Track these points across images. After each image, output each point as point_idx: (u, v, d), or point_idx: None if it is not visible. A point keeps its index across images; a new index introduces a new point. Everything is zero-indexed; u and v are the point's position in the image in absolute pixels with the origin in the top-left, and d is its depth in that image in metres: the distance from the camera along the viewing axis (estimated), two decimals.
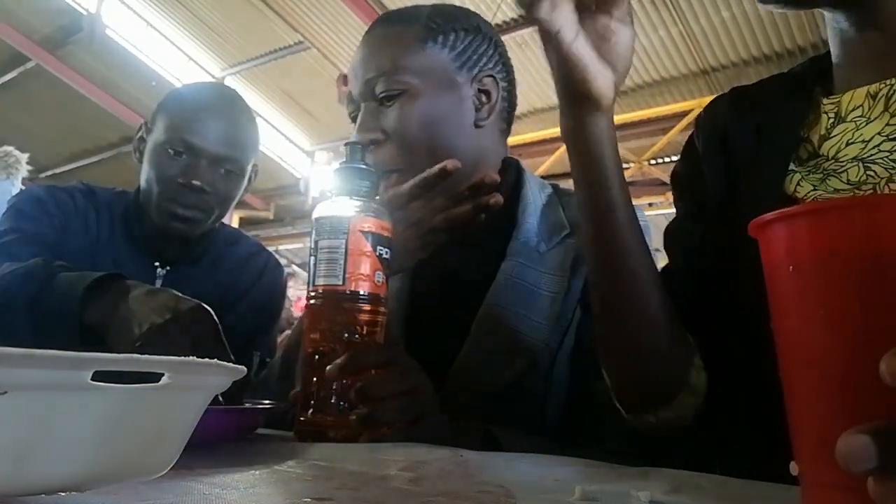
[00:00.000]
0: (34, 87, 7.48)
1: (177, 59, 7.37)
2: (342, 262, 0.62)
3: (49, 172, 9.06)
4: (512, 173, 0.86)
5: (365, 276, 0.63)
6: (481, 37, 0.83)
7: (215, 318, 0.79)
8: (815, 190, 0.55)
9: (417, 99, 0.77)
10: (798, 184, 0.57)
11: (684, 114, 5.69)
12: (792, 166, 0.58)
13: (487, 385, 0.74)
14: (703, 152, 0.67)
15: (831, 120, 0.57)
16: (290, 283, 3.89)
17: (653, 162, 6.14)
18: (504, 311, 0.75)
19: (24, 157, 3.43)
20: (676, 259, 0.69)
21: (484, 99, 0.82)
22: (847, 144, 0.55)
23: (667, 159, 6.20)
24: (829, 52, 0.64)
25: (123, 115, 7.36)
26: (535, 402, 0.74)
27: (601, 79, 0.51)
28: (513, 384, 0.73)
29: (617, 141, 0.55)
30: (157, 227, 1.10)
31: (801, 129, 0.59)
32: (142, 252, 1.10)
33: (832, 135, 0.56)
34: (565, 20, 0.48)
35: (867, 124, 0.54)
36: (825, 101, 0.58)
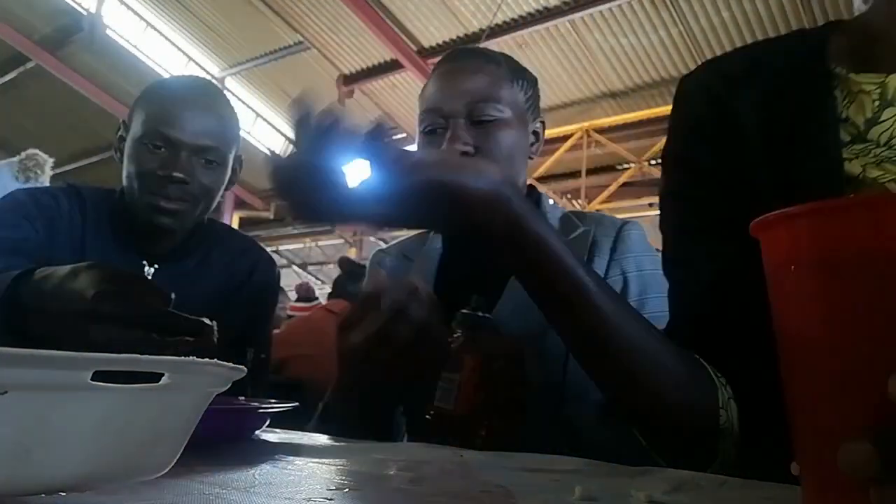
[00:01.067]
0: (34, 88, 7.50)
1: (177, 60, 7.38)
2: None
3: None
4: (533, 196, 0.99)
5: None
6: (536, 88, 0.99)
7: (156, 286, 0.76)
8: (885, 172, 0.52)
9: (508, 127, 0.89)
10: (865, 168, 0.52)
11: None
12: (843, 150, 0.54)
13: (517, 330, 0.78)
14: (698, 128, 0.62)
15: (876, 102, 0.53)
16: (288, 282, 3.90)
17: (653, 162, 6.14)
18: None
19: (49, 161, 3.26)
20: (681, 277, 0.64)
21: (534, 138, 0.98)
22: None
23: None
24: (835, 23, 0.60)
25: (123, 115, 7.35)
26: (559, 361, 0.80)
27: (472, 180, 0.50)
28: (540, 335, 0.77)
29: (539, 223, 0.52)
30: (144, 223, 1.08)
31: (835, 108, 0.55)
32: (129, 251, 1.08)
33: (881, 119, 0.53)
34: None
35: None
36: (864, 79, 0.54)
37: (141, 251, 1.10)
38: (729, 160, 0.60)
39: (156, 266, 1.11)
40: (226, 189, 1.16)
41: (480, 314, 0.74)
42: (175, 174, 1.03)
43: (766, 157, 0.57)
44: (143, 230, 1.09)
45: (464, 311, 0.74)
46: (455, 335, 0.72)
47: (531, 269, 0.52)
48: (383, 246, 1.12)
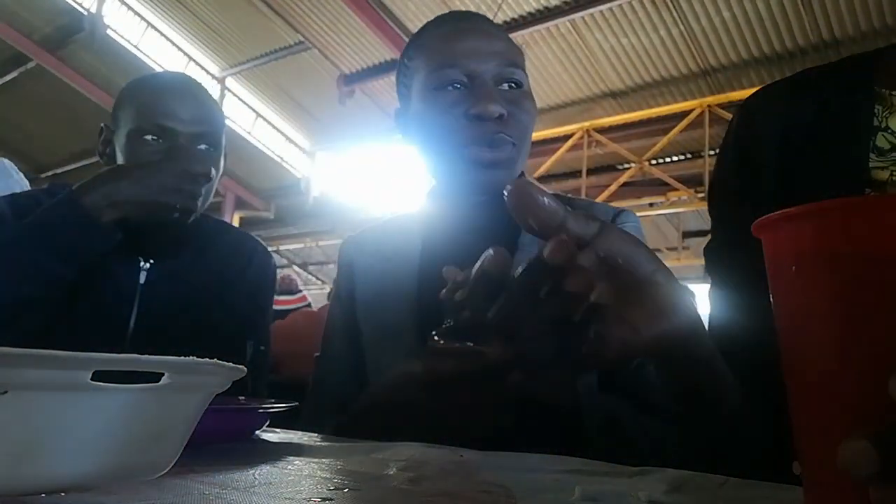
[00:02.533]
0: (35, 87, 7.50)
1: (177, 59, 7.38)
2: None
3: (49, 172, 9.07)
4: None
5: None
6: None
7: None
8: None
9: (530, 98, 0.84)
10: (892, 174, 0.56)
11: (685, 114, 5.69)
12: (872, 158, 0.58)
13: None
14: (755, 144, 0.65)
15: None
16: (289, 282, 3.88)
17: (653, 162, 6.14)
18: None
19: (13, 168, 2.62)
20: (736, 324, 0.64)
21: None
22: None
23: (667, 159, 6.21)
24: (883, 49, 0.64)
25: None
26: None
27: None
28: None
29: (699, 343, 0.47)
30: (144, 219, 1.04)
31: (874, 118, 0.59)
32: (123, 247, 1.01)
33: None
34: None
35: None
36: None
37: (134, 247, 1.07)
38: (756, 182, 0.63)
39: (151, 262, 1.09)
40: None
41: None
42: None
43: (791, 173, 0.61)
44: (139, 226, 1.02)
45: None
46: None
47: (688, 378, 0.48)
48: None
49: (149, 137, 1.04)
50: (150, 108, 1.05)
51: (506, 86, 0.81)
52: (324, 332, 0.93)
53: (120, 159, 1.07)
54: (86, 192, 0.93)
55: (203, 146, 1.07)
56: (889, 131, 0.58)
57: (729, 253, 0.67)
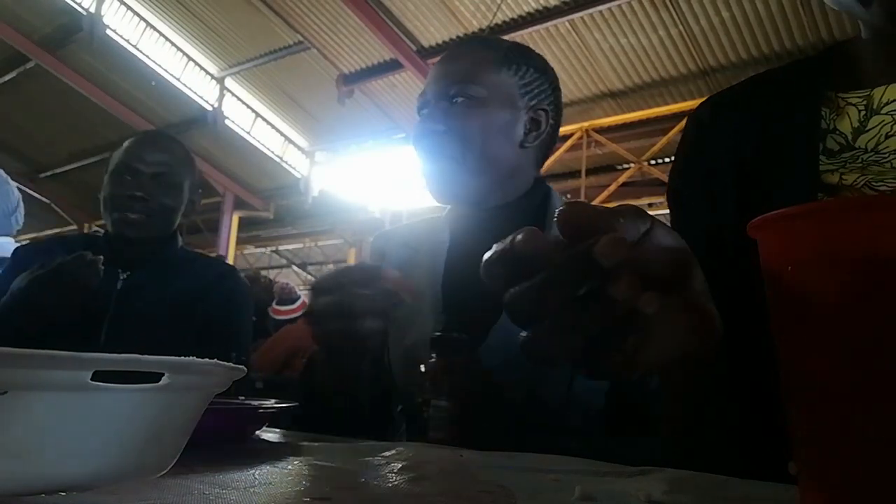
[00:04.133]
0: (34, 88, 7.49)
1: (177, 60, 7.38)
2: None
3: (49, 172, 9.06)
4: (541, 190, 0.97)
5: None
6: (545, 78, 0.96)
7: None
8: (862, 176, 0.55)
9: (481, 106, 0.89)
10: (842, 175, 0.56)
11: (684, 114, 5.68)
12: (822, 160, 0.58)
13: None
14: (711, 153, 0.66)
15: (862, 112, 0.57)
16: (288, 291, 3.84)
17: (653, 162, 6.14)
18: None
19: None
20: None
21: (532, 126, 0.94)
22: (887, 137, 0.55)
23: (667, 159, 6.20)
24: (830, 50, 0.64)
25: (123, 115, 7.36)
26: (564, 381, 0.79)
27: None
28: None
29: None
30: (115, 235, 1.34)
31: (822, 121, 0.59)
32: (107, 261, 1.24)
33: (868, 127, 0.56)
34: None
35: None
36: (850, 94, 0.58)
37: (115, 260, 1.31)
38: (709, 188, 0.64)
39: (128, 272, 1.33)
40: (185, 215, 1.42)
41: (455, 335, 0.74)
42: (136, 193, 1.31)
43: (746, 179, 0.61)
44: (115, 242, 1.35)
45: (437, 333, 0.74)
46: (430, 359, 0.73)
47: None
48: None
49: (119, 176, 1.33)
50: (125, 154, 1.36)
51: (455, 101, 0.89)
52: None
53: (102, 193, 1.36)
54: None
55: (160, 183, 1.35)
56: (837, 132, 0.58)
57: None
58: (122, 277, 1.32)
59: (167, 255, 1.39)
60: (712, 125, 0.67)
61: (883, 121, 0.56)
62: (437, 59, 1.01)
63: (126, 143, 1.41)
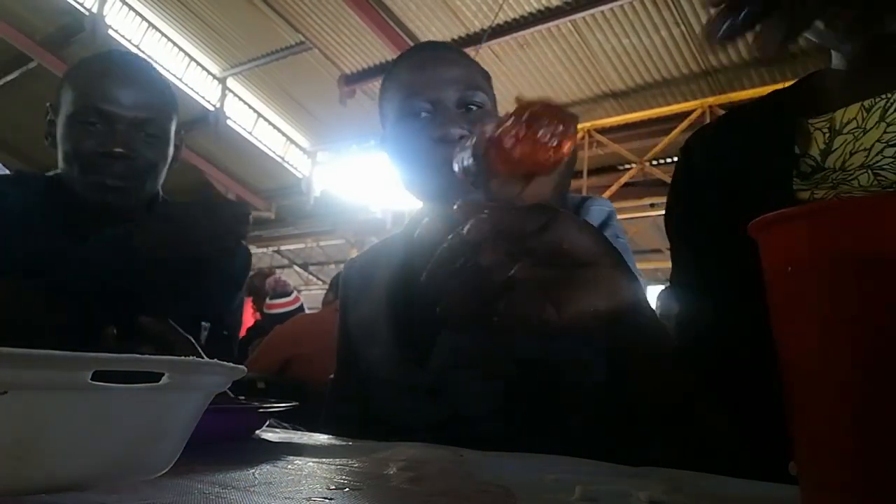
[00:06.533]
0: (36, 88, 7.50)
1: (178, 60, 7.39)
2: None
3: (51, 172, 9.07)
4: None
5: None
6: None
7: None
8: (833, 191, 0.57)
9: (490, 115, 0.90)
10: (813, 193, 0.58)
11: (686, 114, 5.68)
12: (797, 182, 0.60)
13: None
14: (705, 182, 0.69)
15: (826, 135, 0.59)
16: (283, 285, 3.80)
17: (654, 162, 6.14)
18: None
19: None
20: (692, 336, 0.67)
21: None
22: (851, 154, 0.57)
23: (668, 160, 6.20)
24: (801, 82, 0.67)
25: None
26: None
27: None
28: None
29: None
30: (89, 204, 1.02)
31: (795, 147, 0.62)
32: (74, 234, 1.00)
33: (833, 148, 0.58)
34: None
35: (864, 134, 0.56)
36: (813, 120, 0.61)
37: (86, 234, 1.00)
38: (698, 216, 0.67)
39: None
40: (170, 166, 1.10)
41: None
42: (116, 150, 0.98)
43: (732, 206, 0.64)
44: (88, 212, 1.02)
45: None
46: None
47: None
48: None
49: (86, 122, 1.00)
50: (90, 92, 1.00)
51: (470, 108, 0.89)
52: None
53: (60, 142, 1.03)
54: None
55: (144, 133, 1.03)
56: (808, 156, 0.60)
57: (685, 280, 0.70)
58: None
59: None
60: (699, 154, 0.70)
61: (846, 139, 0.58)
62: (402, 54, 1.00)
63: (84, 69, 1.05)
